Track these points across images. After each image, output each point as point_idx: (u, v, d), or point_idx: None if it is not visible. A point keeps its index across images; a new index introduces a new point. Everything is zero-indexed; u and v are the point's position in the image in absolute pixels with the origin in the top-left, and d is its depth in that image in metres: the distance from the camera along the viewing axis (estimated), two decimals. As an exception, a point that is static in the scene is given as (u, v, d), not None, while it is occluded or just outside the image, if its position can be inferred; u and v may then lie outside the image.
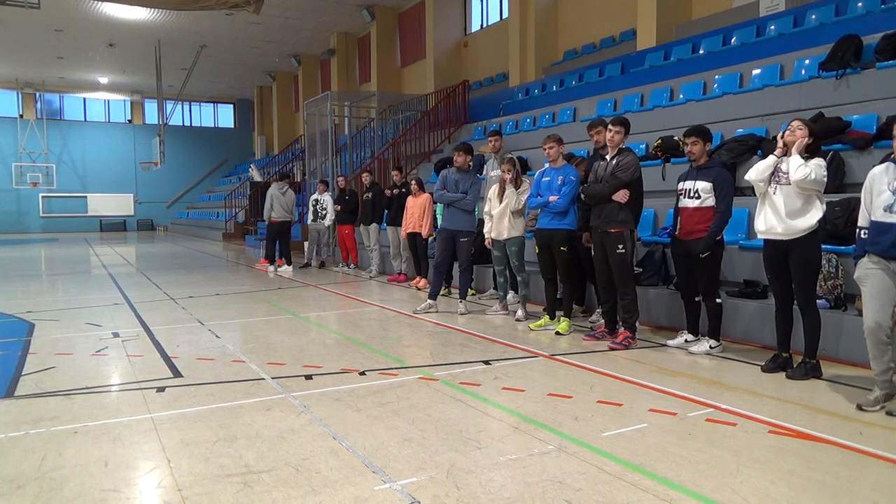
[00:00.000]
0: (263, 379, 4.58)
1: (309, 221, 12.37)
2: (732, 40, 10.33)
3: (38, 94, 32.48)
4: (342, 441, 3.34)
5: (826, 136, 6.15)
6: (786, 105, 7.53)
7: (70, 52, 25.58)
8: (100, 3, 19.51)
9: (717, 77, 9.32)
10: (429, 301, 7.32)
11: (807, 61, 8.09)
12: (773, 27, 9.88)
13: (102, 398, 4.20)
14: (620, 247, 5.46)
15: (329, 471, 2.98)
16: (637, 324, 5.67)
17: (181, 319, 7.07)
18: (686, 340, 5.40)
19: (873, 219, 3.78)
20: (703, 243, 5.03)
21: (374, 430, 3.50)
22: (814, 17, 9.35)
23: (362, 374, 4.71)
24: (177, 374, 4.75)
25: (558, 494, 2.72)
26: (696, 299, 5.33)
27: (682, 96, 9.66)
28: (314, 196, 12.26)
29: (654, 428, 3.50)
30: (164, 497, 2.75)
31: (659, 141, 8.16)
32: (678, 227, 5.27)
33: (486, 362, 5.02)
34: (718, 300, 5.18)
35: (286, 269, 11.89)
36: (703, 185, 5.06)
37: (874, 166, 3.91)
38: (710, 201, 5.03)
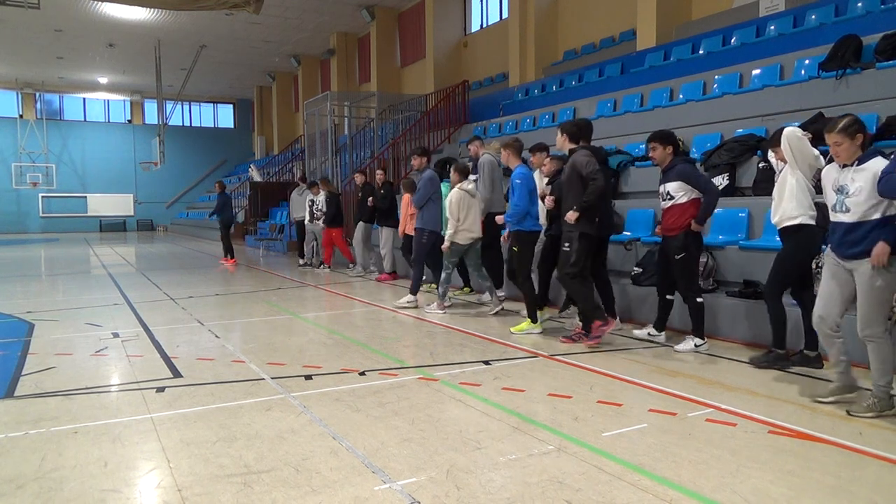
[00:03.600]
0: (263, 379, 4.58)
1: (307, 222, 12.52)
2: (732, 40, 10.33)
3: (37, 94, 32.47)
4: (342, 441, 3.34)
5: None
6: (786, 105, 7.53)
7: (70, 52, 25.57)
8: (100, 3, 19.51)
9: (717, 77, 9.31)
10: (408, 296, 7.71)
11: (807, 61, 8.09)
12: (773, 27, 9.88)
13: (102, 398, 4.20)
14: (566, 245, 5.61)
15: (329, 471, 2.98)
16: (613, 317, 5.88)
17: (181, 319, 7.07)
18: (649, 333, 5.62)
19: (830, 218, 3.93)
20: (699, 220, 5.17)
21: (374, 430, 3.50)
22: (814, 17, 9.35)
23: (362, 374, 4.71)
24: (177, 374, 4.75)
25: (558, 494, 2.72)
26: (668, 297, 5.54)
27: (682, 96, 9.66)
28: (310, 197, 12.42)
29: (654, 428, 3.50)
30: (164, 497, 2.75)
31: (659, 141, 8.15)
32: (659, 225, 5.53)
33: (486, 362, 5.02)
34: (699, 299, 5.27)
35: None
36: (672, 186, 5.25)
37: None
38: (684, 198, 5.21)
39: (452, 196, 6.98)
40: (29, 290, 9.83)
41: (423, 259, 7.90)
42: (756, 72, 8.74)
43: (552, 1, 15.71)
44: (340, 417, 3.72)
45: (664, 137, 5.34)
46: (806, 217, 4.46)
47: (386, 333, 6.23)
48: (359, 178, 11.47)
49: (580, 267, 5.56)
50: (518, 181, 6.14)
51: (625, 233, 7.45)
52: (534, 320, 6.15)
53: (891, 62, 6.82)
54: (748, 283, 5.79)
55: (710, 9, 12.02)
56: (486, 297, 7.54)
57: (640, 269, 6.61)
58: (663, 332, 5.64)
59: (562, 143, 5.77)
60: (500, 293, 7.44)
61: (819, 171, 4.28)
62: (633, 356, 5.19)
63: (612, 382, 4.44)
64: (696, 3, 12.50)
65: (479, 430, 3.49)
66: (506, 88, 16.12)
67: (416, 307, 7.64)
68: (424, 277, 8.93)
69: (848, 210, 3.68)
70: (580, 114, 11.48)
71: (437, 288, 7.44)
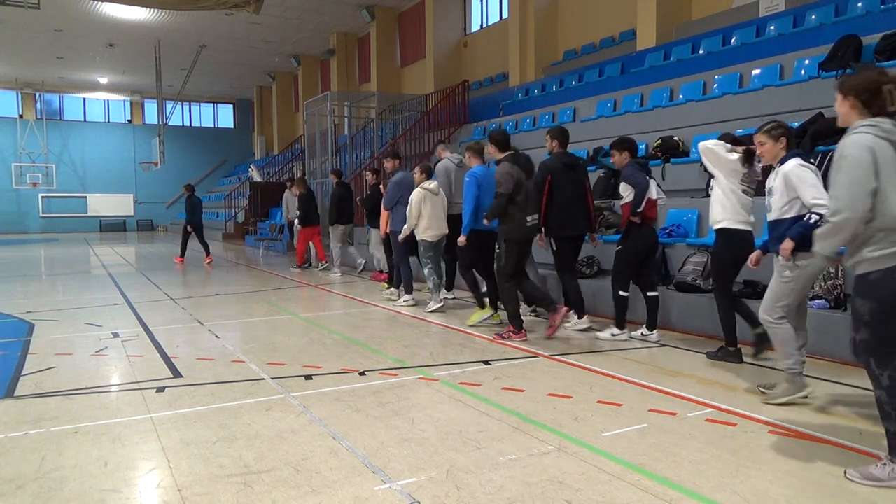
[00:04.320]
0: (263, 379, 4.58)
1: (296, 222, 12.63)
2: (732, 40, 10.33)
3: (37, 94, 32.44)
4: (342, 441, 3.34)
5: (826, 136, 6.18)
6: (786, 105, 7.53)
7: (70, 52, 25.56)
8: (100, 3, 19.50)
9: (717, 77, 9.31)
10: (405, 297, 7.88)
11: (807, 61, 8.09)
12: (773, 27, 9.88)
13: (102, 398, 4.20)
14: (497, 248, 6.06)
15: (329, 471, 2.98)
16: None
17: (181, 319, 7.07)
18: (642, 334, 5.75)
19: None
20: (626, 223, 5.53)
21: (374, 430, 3.50)
22: (814, 17, 9.35)
23: (362, 374, 4.71)
24: (176, 374, 4.75)
25: (558, 494, 2.72)
26: (650, 294, 5.68)
27: (681, 96, 9.66)
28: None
29: (654, 428, 3.51)
30: (164, 497, 2.75)
31: (658, 141, 8.17)
32: None
33: (486, 362, 5.02)
34: (622, 293, 5.61)
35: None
36: (621, 187, 5.71)
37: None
38: (629, 198, 5.56)
39: (413, 195, 7.27)
40: (29, 290, 9.83)
41: (404, 259, 8.00)
42: (756, 72, 8.74)
43: (552, 1, 15.71)
44: (340, 417, 3.72)
45: (619, 144, 5.77)
46: (730, 221, 4.65)
47: (385, 333, 6.23)
48: (333, 178, 11.38)
49: (511, 269, 5.83)
50: (466, 180, 6.41)
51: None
52: (481, 306, 6.69)
53: (891, 62, 6.82)
54: (748, 283, 5.78)
55: (710, 9, 12.02)
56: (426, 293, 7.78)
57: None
58: (655, 331, 5.70)
59: (493, 153, 6.00)
60: (448, 295, 7.75)
61: (746, 174, 4.59)
62: (632, 356, 5.19)
63: (612, 382, 4.44)
64: (696, 3, 12.50)
65: (479, 430, 3.49)
66: (506, 88, 16.12)
67: (414, 305, 7.66)
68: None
69: (771, 208, 3.89)
70: (580, 114, 11.50)
71: (429, 287, 7.51)
